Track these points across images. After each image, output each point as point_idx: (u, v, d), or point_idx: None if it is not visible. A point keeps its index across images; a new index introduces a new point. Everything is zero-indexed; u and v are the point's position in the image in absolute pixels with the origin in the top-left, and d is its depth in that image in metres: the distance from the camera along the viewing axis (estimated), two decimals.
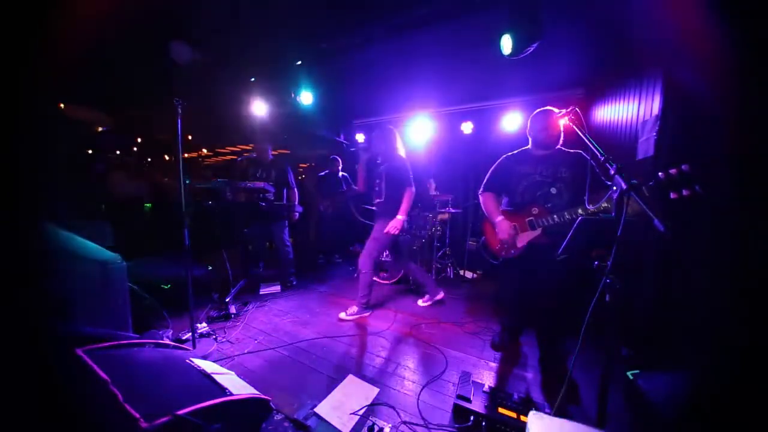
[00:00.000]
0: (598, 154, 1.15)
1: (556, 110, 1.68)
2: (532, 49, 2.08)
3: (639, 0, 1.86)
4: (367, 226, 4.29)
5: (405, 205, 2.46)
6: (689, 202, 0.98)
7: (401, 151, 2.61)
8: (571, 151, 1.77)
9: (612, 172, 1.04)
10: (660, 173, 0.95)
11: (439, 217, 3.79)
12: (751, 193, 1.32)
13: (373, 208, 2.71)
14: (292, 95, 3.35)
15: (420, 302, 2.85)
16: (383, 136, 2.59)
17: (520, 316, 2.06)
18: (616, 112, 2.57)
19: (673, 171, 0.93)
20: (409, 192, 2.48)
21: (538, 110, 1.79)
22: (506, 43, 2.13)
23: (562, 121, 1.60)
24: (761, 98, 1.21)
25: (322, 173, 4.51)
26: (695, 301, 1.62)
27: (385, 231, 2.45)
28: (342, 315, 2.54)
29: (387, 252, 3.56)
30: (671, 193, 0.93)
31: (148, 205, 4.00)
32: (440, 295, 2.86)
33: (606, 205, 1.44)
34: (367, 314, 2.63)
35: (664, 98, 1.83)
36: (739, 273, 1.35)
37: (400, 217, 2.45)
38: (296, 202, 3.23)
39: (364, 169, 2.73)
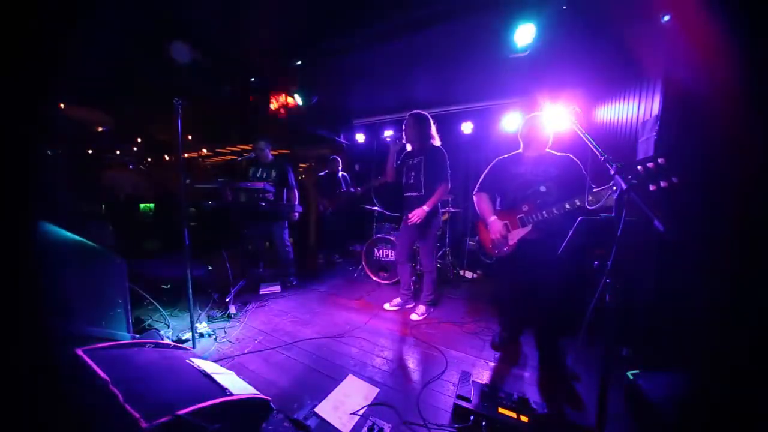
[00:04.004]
0: (599, 154, 1.15)
1: (545, 114, 1.85)
2: (539, 43, 2.11)
3: (639, 1, 1.87)
4: (365, 224, 4.31)
5: (435, 198, 2.36)
6: (685, 198, 0.98)
7: (437, 140, 2.50)
8: (560, 153, 1.87)
9: (612, 172, 1.05)
10: (639, 166, 1.01)
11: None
12: (752, 192, 1.32)
13: (375, 208, 2.64)
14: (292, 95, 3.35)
15: (413, 316, 2.59)
16: (419, 124, 2.41)
17: (518, 315, 2.06)
18: (616, 112, 2.57)
19: (650, 164, 0.99)
20: (443, 186, 2.36)
21: (530, 115, 1.92)
22: (523, 34, 2.12)
23: (563, 122, 1.63)
24: (761, 97, 1.22)
25: (322, 173, 4.51)
26: (695, 301, 1.62)
27: (409, 221, 2.37)
28: (413, 317, 2.56)
29: (389, 252, 3.56)
30: (650, 185, 0.99)
31: (149, 205, 3.99)
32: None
33: (592, 198, 1.52)
34: (432, 310, 2.72)
35: (664, 98, 1.83)
36: (738, 273, 1.35)
37: (426, 207, 2.33)
38: (296, 203, 3.22)
39: (394, 159, 2.56)
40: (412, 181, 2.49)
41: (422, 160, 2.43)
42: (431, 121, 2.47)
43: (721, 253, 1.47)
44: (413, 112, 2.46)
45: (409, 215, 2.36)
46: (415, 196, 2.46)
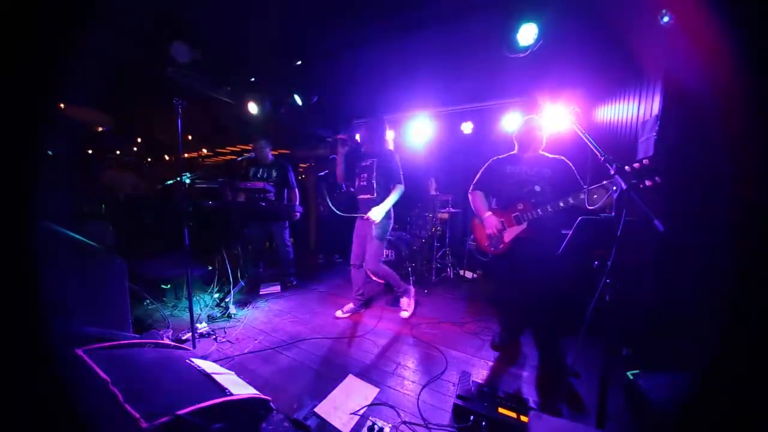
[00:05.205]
0: (598, 154, 1.15)
1: (541, 116, 1.96)
2: (540, 43, 2.12)
3: (640, 1, 1.87)
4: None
5: (391, 198, 2.33)
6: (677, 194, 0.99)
7: (390, 144, 2.50)
8: (554, 156, 1.93)
9: (612, 172, 1.06)
10: (626, 167, 1.07)
11: (439, 217, 3.79)
12: (752, 192, 1.32)
13: (340, 212, 2.53)
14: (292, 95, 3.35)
15: (403, 314, 2.58)
16: (373, 127, 2.44)
17: (517, 314, 2.07)
18: (616, 112, 2.57)
19: (636, 165, 1.06)
20: (397, 188, 2.36)
21: (526, 117, 1.98)
22: (525, 34, 2.12)
23: (563, 122, 1.66)
24: (761, 97, 1.21)
25: (322, 173, 4.52)
26: (695, 301, 1.62)
27: (366, 217, 2.30)
28: (403, 314, 2.54)
29: (389, 252, 3.57)
30: (639, 184, 1.05)
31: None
32: (413, 291, 2.71)
33: (583, 197, 1.58)
34: (413, 294, 2.69)
35: (664, 98, 1.83)
36: (738, 273, 1.35)
37: (382, 207, 2.30)
38: (297, 203, 3.22)
39: (342, 161, 2.51)
40: (364, 183, 2.46)
41: (374, 162, 2.42)
42: (386, 126, 2.51)
43: (721, 252, 1.47)
44: (373, 116, 2.51)
45: (366, 215, 2.30)
46: (368, 199, 2.43)
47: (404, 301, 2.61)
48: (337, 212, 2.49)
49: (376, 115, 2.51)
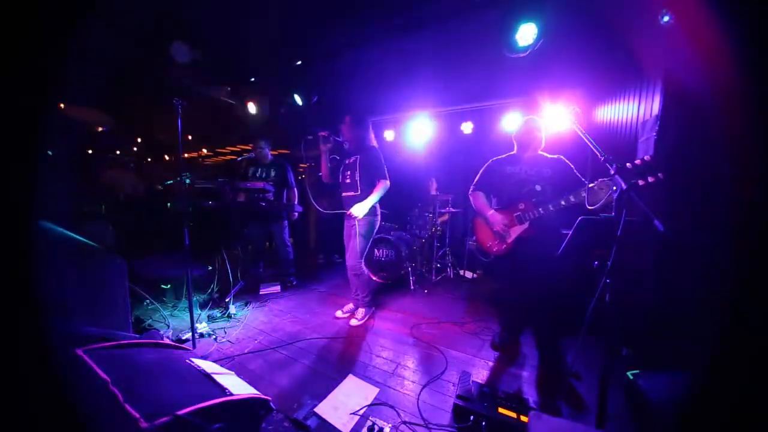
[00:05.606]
0: (598, 154, 1.15)
1: (540, 117, 1.97)
2: (540, 42, 2.12)
3: (640, 1, 1.87)
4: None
5: (375, 194, 2.29)
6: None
7: (373, 141, 2.47)
8: (552, 156, 1.94)
9: (612, 172, 1.06)
10: (628, 164, 1.08)
11: (440, 217, 3.79)
12: (752, 192, 1.32)
13: (323, 210, 2.46)
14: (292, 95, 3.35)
15: (353, 321, 2.48)
16: (356, 124, 2.39)
17: (518, 314, 2.07)
18: (616, 112, 2.57)
19: (638, 162, 1.07)
20: (382, 183, 2.32)
21: (526, 118, 1.99)
22: (524, 34, 2.12)
23: (563, 122, 1.67)
24: (762, 97, 1.21)
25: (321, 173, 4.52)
26: (695, 301, 1.62)
27: (349, 213, 2.29)
28: (353, 322, 2.45)
29: (389, 252, 3.57)
30: (639, 181, 1.06)
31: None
32: (373, 310, 2.66)
33: (584, 194, 1.59)
34: (373, 310, 2.62)
35: (664, 98, 1.83)
36: (738, 272, 1.35)
37: (367, 202, 2.27)
38: (296, 202, 3.22)
39: (327, 159, 2.49)
40: (348, 181, 2.44)
41: (357, 160, 2.40)
42: (369, 125, 2.46)
43: (721, 252, 1.47)
44: (353, 113, 2.44)
45: (350, 211, 2.28)
46: (352, 196, 2.40)
47: (360, 312, 2.50)
48: (321, 210, 2.48)
49: (356, 112, 2.44)
